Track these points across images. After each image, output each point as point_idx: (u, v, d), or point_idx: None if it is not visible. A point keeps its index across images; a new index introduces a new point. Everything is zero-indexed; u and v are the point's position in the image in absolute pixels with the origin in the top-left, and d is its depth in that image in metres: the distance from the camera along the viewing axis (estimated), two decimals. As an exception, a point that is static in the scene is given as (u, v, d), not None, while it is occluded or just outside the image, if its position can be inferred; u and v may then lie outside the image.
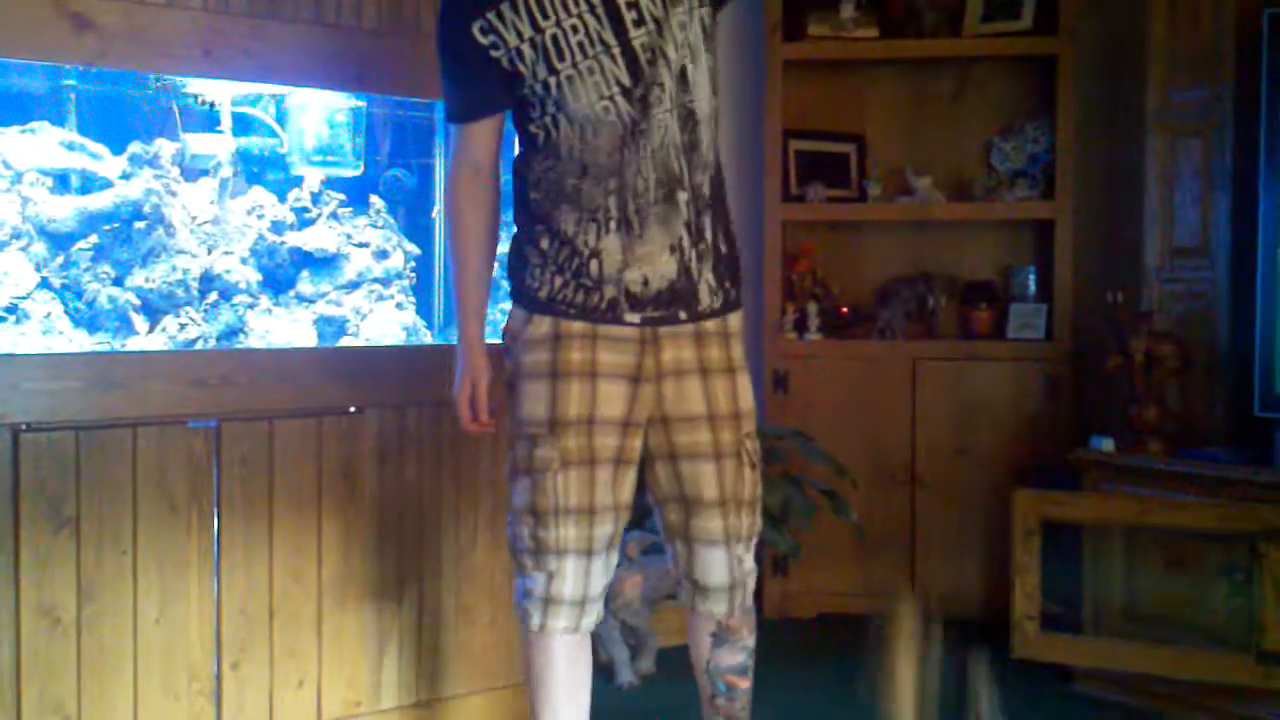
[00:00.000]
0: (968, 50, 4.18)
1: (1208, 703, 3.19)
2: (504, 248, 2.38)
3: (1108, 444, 3.47)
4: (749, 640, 2.38)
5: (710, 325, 2.27)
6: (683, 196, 2.21)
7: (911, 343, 4.17)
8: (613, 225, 2.19)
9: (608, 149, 2.16)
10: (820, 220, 4.33)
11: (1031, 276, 4.23)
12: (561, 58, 2.12)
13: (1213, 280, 3.53)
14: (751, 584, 2.35)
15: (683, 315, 2.24)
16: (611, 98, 2.13)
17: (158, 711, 2.59)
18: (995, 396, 4.06)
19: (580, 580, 2.21)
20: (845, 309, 4.33)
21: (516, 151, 2.30)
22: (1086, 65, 4.08)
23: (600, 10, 2.11)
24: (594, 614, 2.27)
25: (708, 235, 2.25)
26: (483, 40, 2.14)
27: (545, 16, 2.11)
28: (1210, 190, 3.54)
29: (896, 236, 4.39)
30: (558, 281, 2.22)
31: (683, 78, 2.18)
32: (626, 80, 2.13)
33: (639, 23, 2.13)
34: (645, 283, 2.20)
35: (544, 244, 2.23)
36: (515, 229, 2.32)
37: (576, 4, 2.11)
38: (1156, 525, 3.27)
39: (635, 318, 2.21)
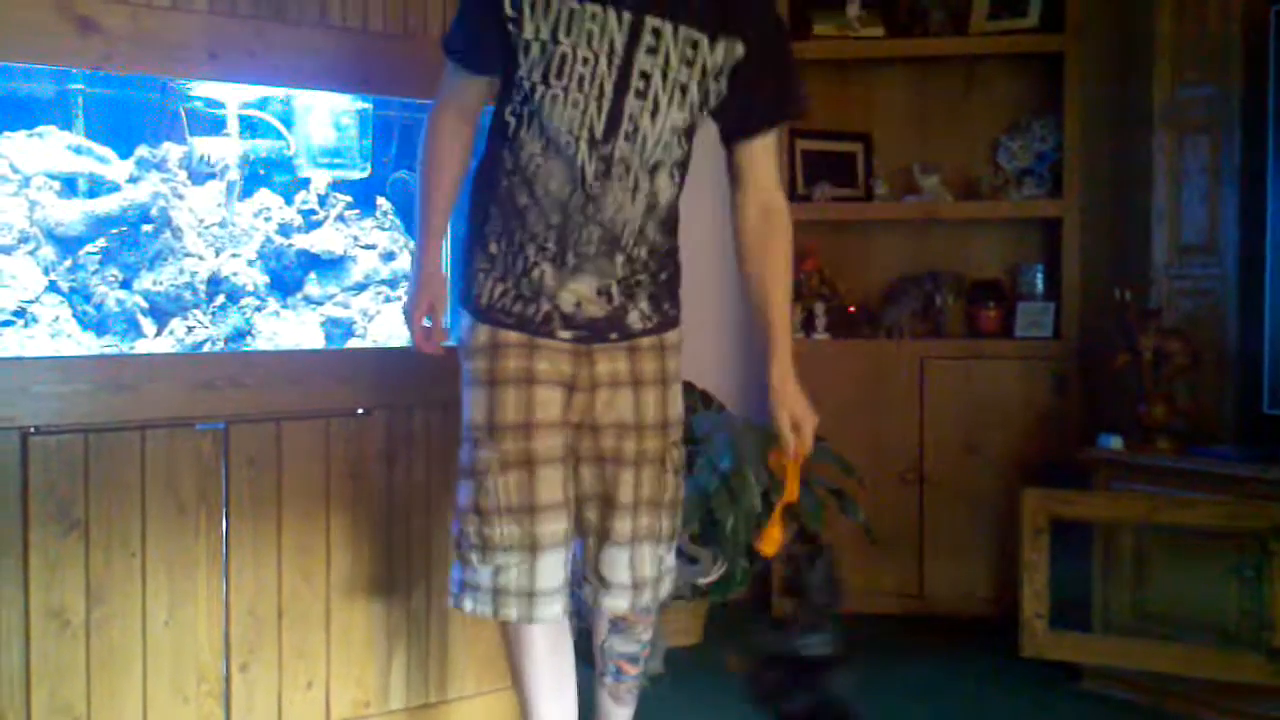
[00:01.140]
0: (974, 48, 4.18)
1: (1218, 701, 3.19)
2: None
3: (1116, 442, 3.46)
4: (644, 635, 2.49)
5: (644, 341, 2.33)
6: (620, 258, 2.26)
7: (919, 341, 4.17)
8: (548, 255, 2.23)
9: (559, 180, 2.18)
10: (827, 219, 4.32)
11: (1039, 275, 4.22)
12: (559, 77, 2.12)
13: (1221, 277, 3.53)
14: (667, 584, 2.41)
15: (614, 336, 2.30)
16: (578, 138, 2.14)
17: (167, 713, 2.59)
18: (1003, 395, 4.05)
19: (525, 576, 2.24)
20: (852, 308, 4.33)
21: (485, 145, 2.31)
22: (1093, 63, 4.07)
23: (618, 60, 2.12)
24: (547, 606, 2.27)
25: (640, 278, 2.30)
26: (508, 10, 2.14)
27: (568, 33, 2.11)
28: (1218, 187, 3.54)
29: (903, 235, 4.39)
30: (498, 290, 2.26)
31: (655, 171, 2.21)
32: (599, 132, 2.14)
33: (641, 94, 2.14)
34: (577, 305, 2.26)
35: (492, 247, 2.27)
36: (465, 232, 2.34)
37: (601, 42, 2.11)
38: (1166, 523, 3.26)
39: (568, 334, 2.26)
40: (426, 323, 2.37)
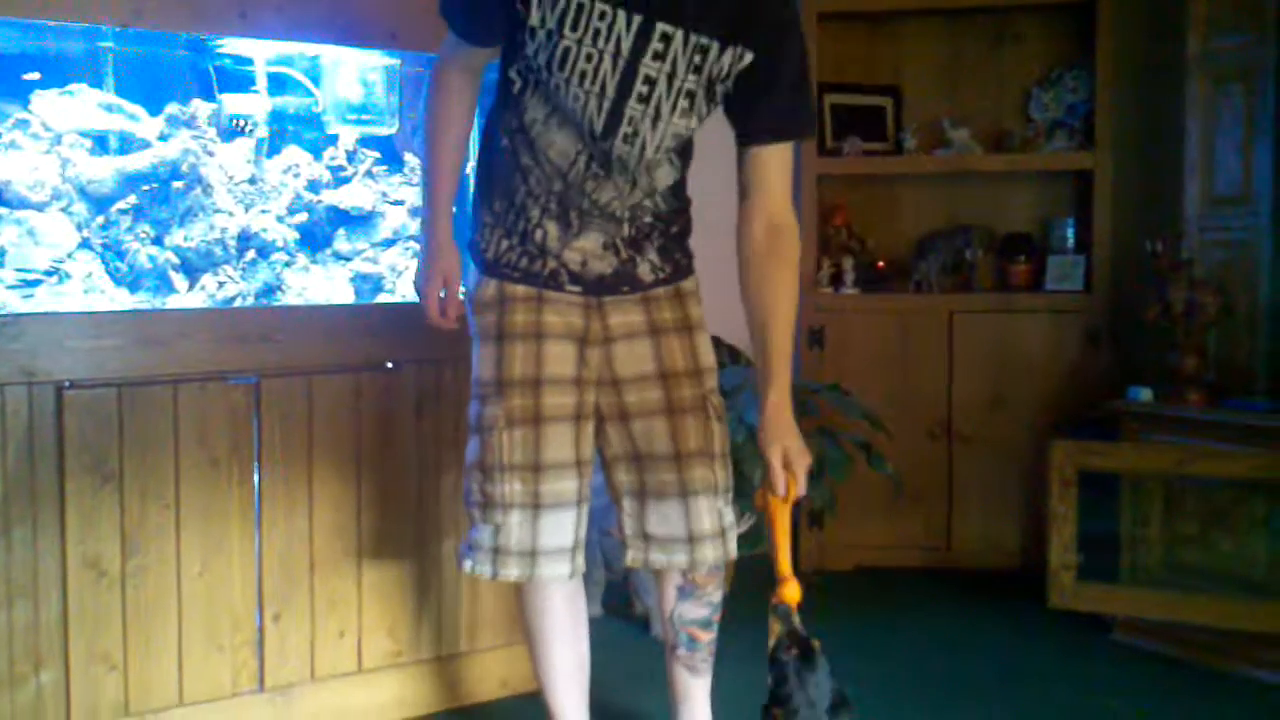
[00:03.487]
0: (1004, -1, 4.14)
1: (1247, 652, 3.19)
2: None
3: (1146, 394, 3.45)
4: (715, 596, 2.39)
5: (659, 291, 2.30)
6: (626, 226, 2.24)
7: (948, 296, 4.15)
8: (551, 214, 2.21)
9: (559, 149, 2.16)
10: (856, 174, 4.31)
11: (1070, 228, 4.19)
12: (562, 69, 2.05)
13: (1254, 228, 3.49)
14: (731, 540, 2.31)
15: (625, 289, 2.27)
16: (589, 94, 2.07)
17: (203, 661, 2.64)
18: (1032, 348, 4.04)
19: (526, 533, 2.22)
20: (881, 263, 4.32)
21: (492, 99, 2.28)
22: (1126, 13, 4.03)
23: (623, 62, 2.04)
24: (552, 565, 2.25)
25: (649, 234, 2.27)
26: None
27: (574, 28, 2.02)
28: (1252, 137, 3.49)
29: (933, 189, 4.37)
30: (504, 245, 2.25)
31: (653, 167, 2.19)
32: (598, 129, 2.10)
33: (644, 99, 2.07)
34: (584, 264, 2.24)
35: (496, 205, 2.25)
36: (473, 189, 2.33)
37: (607, 41, 2.02)
38: (1195, 475, 3.25)
39: (576, 288, 2.25)
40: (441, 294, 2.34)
